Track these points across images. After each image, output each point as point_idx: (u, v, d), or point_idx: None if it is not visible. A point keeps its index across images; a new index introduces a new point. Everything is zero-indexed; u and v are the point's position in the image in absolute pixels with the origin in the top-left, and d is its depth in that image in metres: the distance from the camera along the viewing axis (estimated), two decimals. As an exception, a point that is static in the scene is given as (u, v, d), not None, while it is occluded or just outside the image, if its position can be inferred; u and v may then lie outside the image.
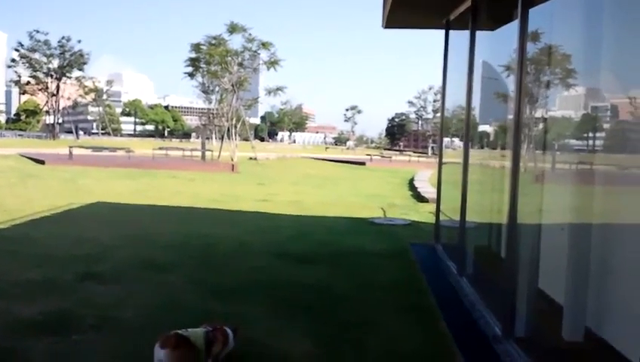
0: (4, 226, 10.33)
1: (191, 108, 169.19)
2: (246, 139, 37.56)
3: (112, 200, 14.99)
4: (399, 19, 9.55)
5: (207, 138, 49.97)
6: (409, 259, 9.23)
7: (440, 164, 10.46)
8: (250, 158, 39.44)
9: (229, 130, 38.42)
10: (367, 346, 5.25)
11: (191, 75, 38.58)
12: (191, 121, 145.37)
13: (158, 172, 24.63)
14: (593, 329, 4.69)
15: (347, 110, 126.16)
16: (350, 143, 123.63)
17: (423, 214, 15.07)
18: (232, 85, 37.28)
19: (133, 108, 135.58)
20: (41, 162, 26.86)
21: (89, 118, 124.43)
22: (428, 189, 21.11)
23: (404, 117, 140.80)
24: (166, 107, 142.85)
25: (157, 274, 7.39)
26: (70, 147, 32.34)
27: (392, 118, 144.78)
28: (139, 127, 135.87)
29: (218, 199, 16.24)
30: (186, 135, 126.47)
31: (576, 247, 4.88)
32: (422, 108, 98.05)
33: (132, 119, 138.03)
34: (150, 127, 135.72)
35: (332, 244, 10.02)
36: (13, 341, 4.92)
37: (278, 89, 40.89)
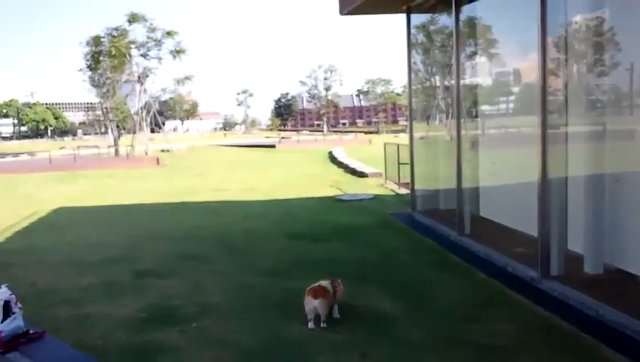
0: (-5, 240, 10.21)
1: (70, 103, 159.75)
2: (134, 132, 36.91)
3: (72, 204, 14.83)
4: (359, 5, 10.34)
5: (103, 133, 48.25)
6: (401, 227, 10.39)
7: (411, 140, 11.64)
8: (163, 150, 38.89)
9: (139, 123, 37.58)
10: (432, 297, 6.31)
11: (92, 68, 37.08)
12: (73, 117, 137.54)
13: (88, 173, 24.00)
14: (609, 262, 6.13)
15: (238, 94, 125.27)
16: (240, 127, 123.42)
17: (373, 188, 16.33)
18: (139, 77, 36.45)
19: (10, 109, 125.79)
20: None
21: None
22: (357, 164, 22.45)
23: (290, 97, 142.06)
24: (44, 104, 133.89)
25: (200, 265, 7.95)
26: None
27: (279, 99, 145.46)
28: (11, 129, 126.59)
29: (175, 193, 16.49)
30: (65, 132, 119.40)
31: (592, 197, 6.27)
32: (314, 87, 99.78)
33: (9, 121, 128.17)
34: (24, 128, 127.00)
35: (323, 223, 10.94)
36: (144, 335, 5.42)
37: (187, 78, 40.49)
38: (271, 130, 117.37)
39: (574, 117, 6.58)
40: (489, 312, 5.73)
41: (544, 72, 6.21)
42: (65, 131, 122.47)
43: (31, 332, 3.83)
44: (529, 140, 6.51)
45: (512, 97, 9.28)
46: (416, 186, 11.38)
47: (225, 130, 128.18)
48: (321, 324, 5.37)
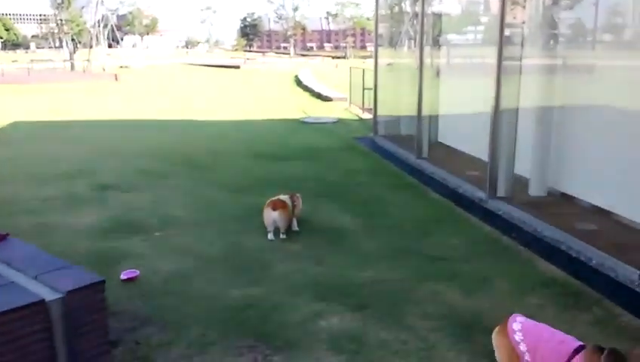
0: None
1: (22, 14, 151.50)
2: (90, 46, 35.62)
3: (28, 118, 14.54)
4: None
5: (57, 47, 46.34)
6: (363, 150, 10.65)
7: (376, 65, 11.70)
8: (122, 67, 37.79)
9: (96, 37, 36.23)
10: (389, 214, 6.63)
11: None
12: (25, 29, 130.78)
13: (44, 87, 23.29)
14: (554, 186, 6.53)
15: (202, 10, 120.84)
16: (203, 46, 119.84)
17: (337, 112, 16.47)
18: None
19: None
20: None
21: None
22: (323, 88, 22.44)
23: (256, 16, 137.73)
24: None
25: (162, 180, 8.07)
26: None
27: (244, 18, 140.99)
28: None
29: (134, 111, 16.28)
30: (17, 45, 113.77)
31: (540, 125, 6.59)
32: (281, 7, 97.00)
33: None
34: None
35: (287, 144, 11.10)
36: (107, 243, 5.58)
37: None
38: (236, 50, 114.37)
39: (533, 49, 6.77)
40: (440, 228, 6.09)
41: (503, 3, 6.31)
42: (17, 44, 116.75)
43: (-5, 234, 3.94)
44: (487, 71, 6.69)
45: (477, 28, 9.40)
46: (379, 112, 11.56)
47: (187, 48, 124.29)
48: (281, 236, 5.64)
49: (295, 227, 5.87)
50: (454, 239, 5.73)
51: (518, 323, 3.08)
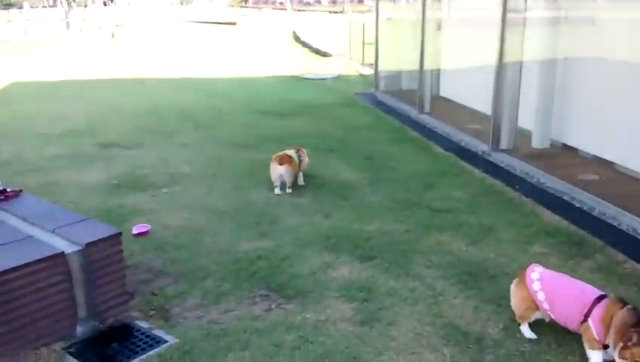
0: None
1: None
2: (85, 5, 35.02)
3: (28, 78, 14.44)
4: None
5: (51, 6, 45.49)
6: (364, 105, 10.63)
7: (377, 18, 11.57)
8: (117, 25, 37.16)
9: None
10: (394, 168, 6.68)
11: None
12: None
13: (43, 46, 23.00)
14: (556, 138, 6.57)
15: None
16: (198, 3, 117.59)
17: (337, 67, 16.32)
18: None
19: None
20: None
21: None
22: (322, 44, 22.15)
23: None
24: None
25: (166, 138, 8.10)
26: None
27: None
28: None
29: (134, 69, 16.13)
30: (10, 5, 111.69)
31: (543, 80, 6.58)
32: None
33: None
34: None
35: (289, 100, 11.07)
36: (117, 199, 5.66)
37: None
38: (232, 6, 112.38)
39: (537, 1, 6.70)
40: (444, 181, 6.15)
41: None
42: (9, 4, 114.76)
43: (8, 190, 4.00)
44: (491, 24, 6.63)
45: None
46: (380, 67, 11.50)
47: (182, 4, 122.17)
48: (287, 190, 5.72)
49: (301, 181, 5.94)
50: (458, 191, 5.80)
51: (536, 273, 3.15)
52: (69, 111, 9.91)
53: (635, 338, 2.54)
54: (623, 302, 2.78)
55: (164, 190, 5.92)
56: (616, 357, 2.67)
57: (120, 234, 3.36)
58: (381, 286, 3.88)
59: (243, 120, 9.31)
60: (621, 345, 2.61)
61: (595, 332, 2.80)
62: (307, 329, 3.37)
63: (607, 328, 2.75)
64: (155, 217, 5.14)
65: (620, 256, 4.26)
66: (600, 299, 2.85)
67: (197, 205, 5.45)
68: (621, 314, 2.71)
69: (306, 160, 5.97)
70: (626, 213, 4.57)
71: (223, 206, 5.43)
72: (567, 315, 2.95)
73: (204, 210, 5.31)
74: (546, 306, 3.05)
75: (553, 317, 3.10)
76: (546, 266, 4.00)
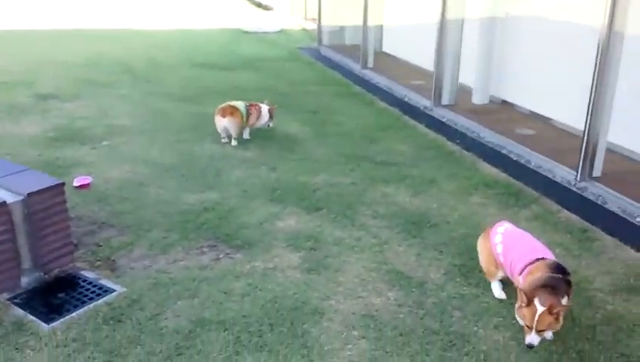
0: None
1: None
2: None
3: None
4: None
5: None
6: (308, 60, 10.56)
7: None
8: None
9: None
10: (339, 122, 6.73)
11: None
12: None
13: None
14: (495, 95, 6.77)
15: None
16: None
17: (280, 21, 16.03)
18: None
19: None
20: None
21: None
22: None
23: None
24: None
25: (105, 89, 7.81)
26: None
27: None
28: None
29: (68, 18, 15.34)
30: None
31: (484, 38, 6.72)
32: None
33: None
34: None
35: (231, 54, 10.85)
36: (55, 151, 5.46)
37: None
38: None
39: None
40: (388, 135, 6.25)
41: None
42: None
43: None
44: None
45: None
46: (324, 21, 11.39)
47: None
48: (232, 143, 5.68)
49: (247, 135, 5.90)
50: (402, 145, 5.92)
51: (502, 228, 3.21)
52: (2, 62, 9.36)
53: (525, 300, 2.61)
54: (556, 270, 2.76)
55: (104, 142, 5.76)
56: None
57: (63, 184, 3.28)
58: (328, 236, 3.96)
59: (185, 73, 9.07)
60: (518, 304, 2.70)
61: (519, 285, 2.85)
62: (256, 277, 3.42)
63: (525, 280, 2.81)
64: (97, 170, 5.01)
65: (555, 206, 4.49)
66: (542, 260, 2.85)
67: (139, 158, 5.34)
68: (536, 277, 2.73)
69: (255, 116, 5.85)
70: (560, 165, 4.81)
71: (166, 159, 5.35)
72: (513, 269, 2.99)
73: (146, 163, 5.22)
74: (501, 259, 3.11)
75: (506, 271, 3.11)
76: (484, 216, 4.20)
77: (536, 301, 2.61)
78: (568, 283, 2.76)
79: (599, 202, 4.31)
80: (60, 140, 5.75)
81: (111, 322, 2.98)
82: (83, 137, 5.88)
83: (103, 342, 2.83)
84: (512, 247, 3.07)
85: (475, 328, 3.02)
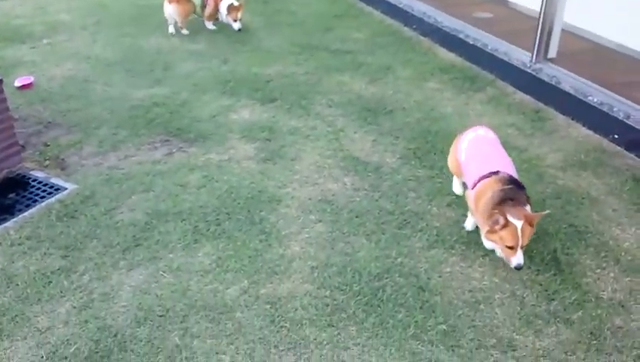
0: None
1: None
2: None
3: None
4: None
5: None
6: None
7: None
8: None
9: None
10: (292, 11, 6.39)
11: None
12: None
13: None
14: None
15: None
16: None
17: None
18: None
19: None
20: None
21: None
22: None
23: None
24: None
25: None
26: None
27: None
28: None
29: None
30: None
31: None
32: None
33: None
34: None
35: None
36: None
37: None
38: None
39: None
40: (342, 23, 6.05)
41: None
42: None
43: None
44: None
45: None
46: None
47: None
48: (182, 31, 5.44)
49: (211, 26, 5.65)
50: (357, 33, 5.76)
51: (472, 134, 2.96)
52: None
53: (501, 221, 2.43)
54: (509, 184, 2.60)
55: (44, 41, 5.44)
56: (482, 236, 2.67)
57: (1, 81, 3.09)
58: (283, 126, 3.91)
59: None
60: (487, 228, 2.53)
61: (470, 201, 2.76)
62: (211, 169, 3.39)
63: (478, 200, 2.65)
64: (38, 69, 4.76)
65: (510, 88, 4.50)
66: (495, 173, 2.66)
67: (82, 55, 5.08)
68: (491, 193, 2.57)
69: (212, 6, 5.53)
70: (516, 47, 4.77)
71: (110, 54, 5.10)
72: (468, 178, 2.83)
73: (90, 60, 4.98)
74: (462, 168, 2.93)
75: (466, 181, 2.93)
76: (440, 101, 4.19)
77: (509, 218, 2.45)
78: (524, 190, 2.65)
79: (553, 82, 4.33)
80: (-4, 40, 5.40)
81: (65, 219, 2.93)
82: (22, 36, 5.53)
83: (58, 239, 2.80)
84: (472, 157, 2.88)
85: (429, 206, 3.08)
